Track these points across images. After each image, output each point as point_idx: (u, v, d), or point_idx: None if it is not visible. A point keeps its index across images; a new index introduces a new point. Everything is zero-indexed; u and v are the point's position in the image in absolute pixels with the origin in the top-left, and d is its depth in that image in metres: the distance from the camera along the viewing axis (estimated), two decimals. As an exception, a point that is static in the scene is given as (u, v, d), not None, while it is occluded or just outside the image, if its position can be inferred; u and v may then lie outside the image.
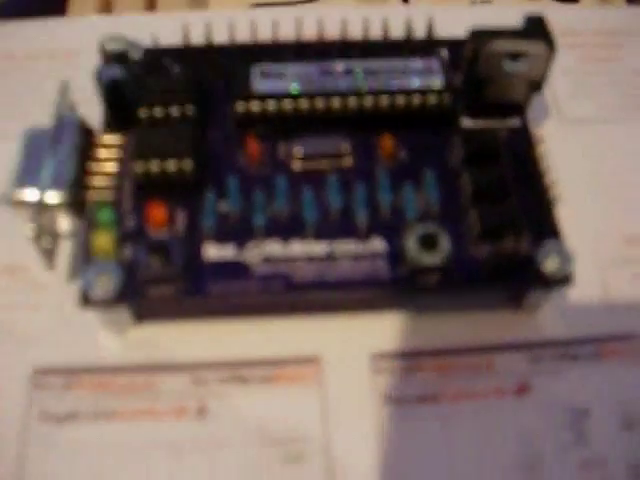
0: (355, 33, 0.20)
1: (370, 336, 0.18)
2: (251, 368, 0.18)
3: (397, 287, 0.17)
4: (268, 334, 0.18)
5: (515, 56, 0.18)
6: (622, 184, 0.21)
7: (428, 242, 0.17)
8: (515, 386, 0.18)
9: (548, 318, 0.19)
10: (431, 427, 0.18)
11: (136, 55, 0.20)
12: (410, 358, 0.18)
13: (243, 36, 0.20)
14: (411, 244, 0.17)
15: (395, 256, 0.17)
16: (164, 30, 0.20)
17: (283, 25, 0.20)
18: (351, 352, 0.18)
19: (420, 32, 0.20)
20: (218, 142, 0.19)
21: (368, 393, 0.18)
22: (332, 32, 0.20)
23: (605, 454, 0.18)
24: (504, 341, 0.19)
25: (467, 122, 0.19)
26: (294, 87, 0.18)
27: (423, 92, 0.19)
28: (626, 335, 0.19)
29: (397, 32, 0.20)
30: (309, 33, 0.20)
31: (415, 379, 0.18)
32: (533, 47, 0.18)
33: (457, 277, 0.17)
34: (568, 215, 0.20)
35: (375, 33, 0.20)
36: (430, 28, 0.20)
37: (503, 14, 0.20)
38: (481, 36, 0.19)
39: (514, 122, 0.19)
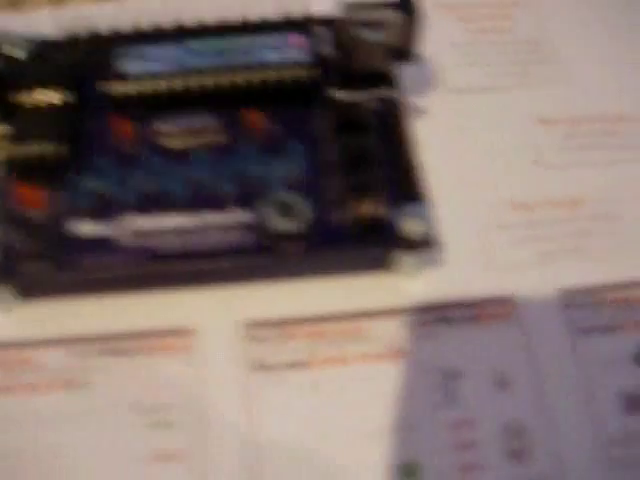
0: (234, 11, 0.21)
1: (243, 305, 0.19)
2: (129, 340, 0.19)
3: (261, 255, 0.18)
4: (145, 307, 0.19)
5: (373, 25, 0.19)
6: (503, 150, 0.21)
7: (286, 210, 0.18)
8: (386, 350, 0.19)
9: (424, 283, 0.19)
10: (302, 392, 0.18)
11: (19, 47, 0.20)
12: (282, 326, 0.19)
13: (119, 23, 0.21)
14: (270, 212, 0.18)
15: (259, 226, 0.18)
16: (46, 23, 0.21)
17: (157, 10, 0.21)
18: (224, 322, 0.19)
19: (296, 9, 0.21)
20: (92, 125, 0.19)
21: (241, 361, 0.18)
22: (210, 13, 0.21)
23: (476, 414, 0.18)
24: (377, 306, 0.19)
25: (339, 94, 0.20)
26: (162, 68, 0.19)
27: (290, 66, 0.19)
28: (503, 298, 0.19)
29: (272, 10, 0.21)
30: (186, 16, 0.21)
31: (286, 346, 0.18)
32: (389, 16, 0.18)
33: (319, 243, 0.18)
34: (448, 181, 0.20)
35: (252, 11, 0.21)
36: (303, 4, 0.20)
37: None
38: (345, 9, 0.19)
39: (385, 93, 0.20)
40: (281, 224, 0.18)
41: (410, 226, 0.18)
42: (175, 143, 0.19)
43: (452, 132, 0.21)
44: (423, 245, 0.18)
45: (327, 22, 0.20)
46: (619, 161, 0.21)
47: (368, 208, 0.18)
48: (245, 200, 0.18)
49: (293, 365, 0.18)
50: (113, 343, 0.18)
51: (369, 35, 0.19)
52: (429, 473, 0.17)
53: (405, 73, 0.21)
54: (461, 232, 0.20)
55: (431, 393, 0.18)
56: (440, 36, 0.23)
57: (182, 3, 0.21)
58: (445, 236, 0.20)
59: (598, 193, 0.21)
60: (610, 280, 0.20)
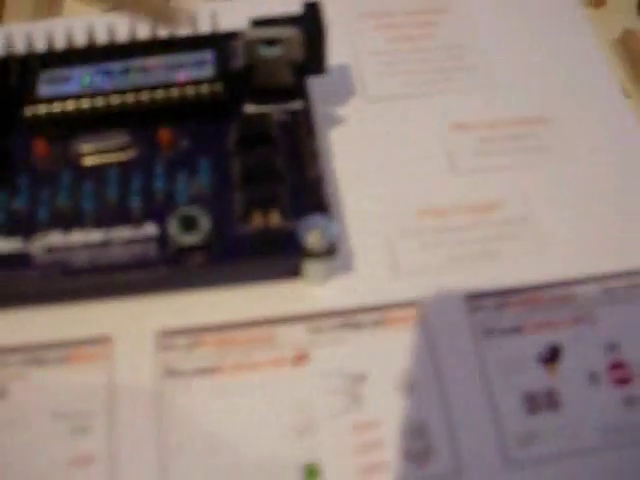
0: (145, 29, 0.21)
1: (156, 315, 0.20)
2: (48, 350, 0.19)
3: (166, 267, 0.19)
4: (63, 319, 0.20)
5: (272, 42, 0.19)
6: (417, 157, 0.22)
7: (189, 223, 0.18)
8: (293, 356, 0.19)
9: (332, 290, 0.20)
10: (211, 397, 0.19)
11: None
12: (193, 334, 0.19)
13: (35, 44, 0.21)
14: (173, 226, 0.18)
15: (163, 239, 0.19)
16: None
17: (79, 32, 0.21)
18: (137, 331, 0.19)
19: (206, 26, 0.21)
20: (12, 146, 0.20)
21: (153, 369, 0.19)
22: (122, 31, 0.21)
23: (379, 416, 0.19)
24: (285, 313, 0.20)
25: (248, 108, 0.21)
26: (73, 89, 0.20)
27: (196, 83, 0.20)
28: (409, 303, 0.20)
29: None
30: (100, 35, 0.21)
31: (197, 353, 0.19)
32: (288, 32, 0.19)
33: (224, 254, 0.19)
34: (362, 189, 0.21)
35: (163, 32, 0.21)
36: (214, 23, 0.21)
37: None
38: (253, 26, 0.20)
39: (293, 106, 0.21)
40: (183, 237, 0.18)
41: (313, 236, 0.19)
42: (90, 161, 0.20)
43: (368, 140, 0.22)
44: (327, 254, 0.19)
45: (236, 37, 0.21)
46: (534, 164, 0.22)
47: (272, 220, 0.19)
48: (153, 215, 0.19)
49: (203, 371, 0.19)
50: (31, 354, 0.19)
51: (269, 52, 0.19)
52: (331, 474, 0.18)
53: (324, 83, 0.22)
54: (370, 239, 0.20)
55: (336, 396, 0.19)
56: (362, 45, 0.24)
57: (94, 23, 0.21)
58: (354, 244, 0.20)
59: (511, 197, 0.21)
60: (515, 283, 0.20)
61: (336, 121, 0.22)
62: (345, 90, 0.23)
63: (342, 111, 0.22)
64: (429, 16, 0.24)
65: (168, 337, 0.20)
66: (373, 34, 0.24)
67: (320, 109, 0.22)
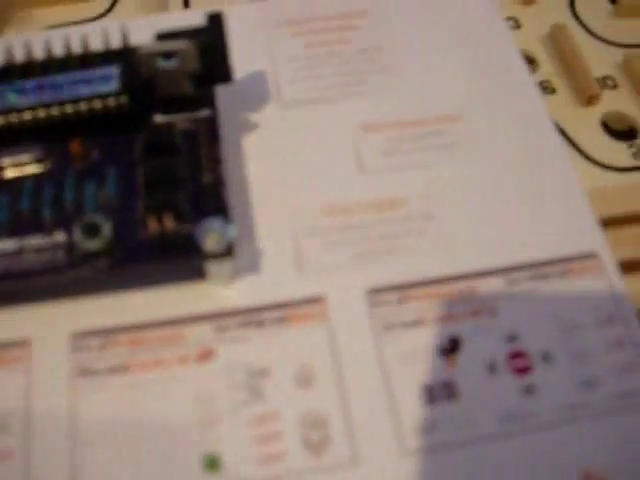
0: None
1: (70, 318, 0.21)
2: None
3: (72, 272, 0.20)
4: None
5: (168, 55, 0.20)
6: (326, 158, 0.22)
7: (92, 230, 0.19)
8: (197, 354, 0.20)
9: (238, 289, 0.21)
10: (121, 394, 0.20)
11: None
12: (105, 334, 0.20)
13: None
14: (77, 233, 0.20)
15: (70, 246, 0.20)
16: None
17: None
18: (54, 333, 0.20)
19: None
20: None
21: (67, 369, 0.20)
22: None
23: (278, 408, 0.19)
24: (192, 313, 0.21)
25: (159, 119, 0.21)
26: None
27: (102, 97, 0.21)
28: (312, 299, 0.21)
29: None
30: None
31: (108, 353, 0.20)
32: (180, 45, 0.20)
33: (126, 259, 0.20)
34: (269, 191, 0.22)
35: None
36: (124, 38, 0.22)
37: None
38: (157, 40, 0.21)
39: (199, 114, 0.21)
40: (86, 243, 0.19)
41: (211, 238, 0.19)
42: (6, 175, 0.21)
43: (279, 145, 0.23)
44: (225, 255, 0.20)
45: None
46: (440, 162, 0.22)
47: (172, 224, 0.20)
48: (62, 223, 0.20)
49: (114, 370, 0.20)
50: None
51: (166, 64, 0.20)
52: (230, 464, 0.19)
53: (238, 91, 0.23)
54: (276, 239, 0.21)
55: (237, 391, 0.20)
56: (279, 52, 0.24)
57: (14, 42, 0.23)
58: (261, 244, 0.21)
59: (416, 194, 0.22)
60: (418, 278, 0.21)
61: (248, 127, 0.23)
62: (260, 96, 0.23)
63: (255, 117, 0.23)
64: (348, 20, 0.25)
65: (82, 338, 0.21)
66: (291, 41, 0.25)
67: (233, 116, 0.23)
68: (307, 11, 0.25)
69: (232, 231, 0.20)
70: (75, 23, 0.29)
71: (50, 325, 0.21)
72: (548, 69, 0.26)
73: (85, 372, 0.20)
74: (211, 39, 0.20)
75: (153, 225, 0.20)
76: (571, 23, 0.28)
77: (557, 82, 0.26)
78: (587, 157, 0.26)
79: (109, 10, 0.29)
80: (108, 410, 0.20)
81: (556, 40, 0.27)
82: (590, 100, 0.27)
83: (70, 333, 0.21)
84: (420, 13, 0.26)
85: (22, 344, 0.21)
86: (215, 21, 0.21)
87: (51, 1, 0.29)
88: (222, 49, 0.21)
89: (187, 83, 0.21)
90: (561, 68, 0.26)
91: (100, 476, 0.19)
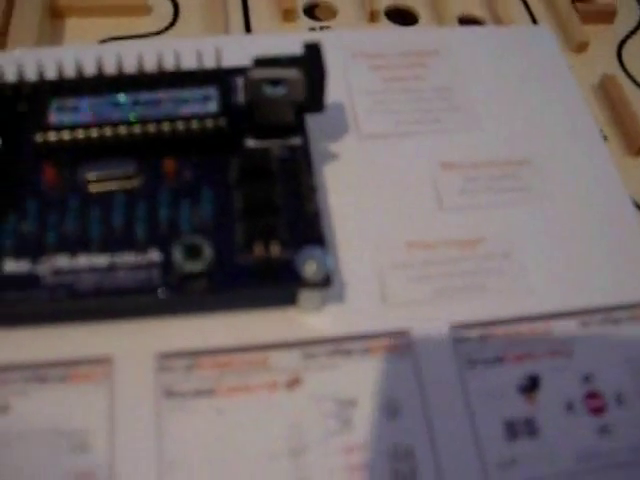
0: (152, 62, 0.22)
1: (156, 338, 0.20)
2: (49, 369, 0.20)
3: (168, 293, 0.19)
4: (65, 339, 0.20)
5: (276, 82, 0.20)
6: (406, 193, 0.23)
7: (193, 251, 0.19)
8: (287, 380, 0.20)
9: (324, 317, 0.21)
10: (207, 418, 0.20)
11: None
12: (191, 357, 0.20)
13: (46, 72, 0.22)
14: (177, 254, 0.19)
15: (167, 265, 0.20)
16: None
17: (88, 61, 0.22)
18: (138, 353, 0.20)
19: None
20: (22, 170, 0.21)
21: (152, 389, 0.20)
22: (149, 65, 0.22)
23: (368, 439, 0.20)
24: (281, 339, 0.21)
25: (249, 142, 0.22)
26: (82, 119, 0.21)
27: (201, 118, 0.21)
28: (397, 332, 0.21)
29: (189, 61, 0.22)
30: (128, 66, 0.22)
31: (194, 376, 0.20)
32: (291, 73, 0.20)
33: (224, 282, 0.20)
34: (353, 223, 0.22)
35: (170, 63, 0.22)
36: (218, 58, 0.22)
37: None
38: (255, 65, 0.21)
39: (292, 141, 0.22)
40: (187, 264, 0.19)
41: (309, 267, 0.20)
42: (96, 188, 0.21)
43: (360, 177, 0.23)
44: (322, 284, 0.20)
45: (241, 73, 0.22)
46: (515, 203, 0.23)
47: (271, 250, 0.20)
48: (156, 241, 0.20)
49: (200, 393, 0.20)
50: (35, 371, 0.20)
51: (272, 91, 0.20)
52: (321, 494, 0.19)
53: (321, 120, 0.23)
54: (361, 271, 0.22)
55: (326, 420, 0.20)
56: (356, 85, 0.25)
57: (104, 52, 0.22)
58: (347, 275, 0.21)
59: (494, 234, 0.23)
60: (498, 315, 0.21)
61: (330, 157, 0.23)
62: (339, 127, 0.24)
63: (336, 147, 0.23)
64: (421, 58, 0.26)
65: (167, 359, 0.20)
66: (367, 74, 0.25)
67: (316, 145, 0.23)
68: (382, 45, 0.26)
69: (331, 261, 0.20)
70: (138, 37, 0.29)
71: (135, 344, 0.20)
72: (599, 118, 0.27)
73: (170, 393, 0.20)
74: (315, 69, 0.21)
75: (255, 250, 0.20)
76: (619, 73, 0.29)
77: (607, 130, 0.27)
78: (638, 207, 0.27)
79: (172, 24, 0.29)
80: (194, 433, 0.20)
81: (606, 89, 0.28)
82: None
83: (155, 353, 0.20)
84: (486, 53, 0.27)
85: (104, 361, 0.20)
86: (314, 51, 0.21)
87: (109, 12, 0.29)
88: (323, 80, 0.21)
89: (289, 111, 0.21)
90: (612, 117, 0.28)
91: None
